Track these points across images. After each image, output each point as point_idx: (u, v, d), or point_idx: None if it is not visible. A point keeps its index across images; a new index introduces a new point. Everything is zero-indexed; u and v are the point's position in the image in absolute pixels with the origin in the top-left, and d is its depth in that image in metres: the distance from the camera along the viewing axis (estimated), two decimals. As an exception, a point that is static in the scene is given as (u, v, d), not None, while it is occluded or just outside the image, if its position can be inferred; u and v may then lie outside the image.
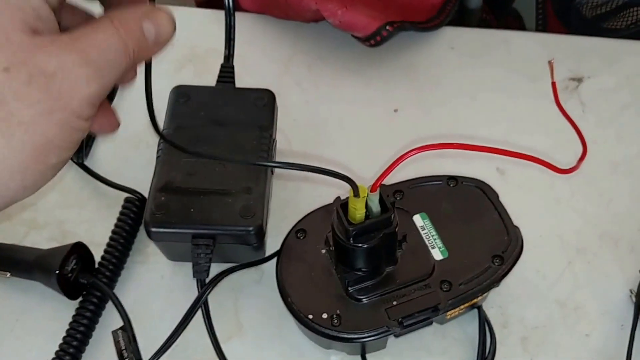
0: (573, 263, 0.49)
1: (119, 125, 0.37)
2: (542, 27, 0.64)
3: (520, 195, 0.52)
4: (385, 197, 0.38)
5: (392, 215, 0.38)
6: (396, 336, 0.42)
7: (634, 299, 0.47)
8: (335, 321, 0.41)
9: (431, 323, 0.43)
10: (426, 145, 0.34)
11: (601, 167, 0.54)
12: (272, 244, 0.46)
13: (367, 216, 0.38)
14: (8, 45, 0.28)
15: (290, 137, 0.55)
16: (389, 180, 0.45)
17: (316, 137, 0.56)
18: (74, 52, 0.29)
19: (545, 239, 0.50)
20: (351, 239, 0.38)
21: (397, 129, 0.56)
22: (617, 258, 0.50)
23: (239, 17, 0.61)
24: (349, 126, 0.56)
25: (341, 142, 0.55)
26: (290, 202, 0.52)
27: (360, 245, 0.39)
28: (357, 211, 0.37)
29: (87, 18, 0.35)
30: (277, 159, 0.52)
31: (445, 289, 0.41)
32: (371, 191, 0.37)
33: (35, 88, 0.28)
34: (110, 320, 0.46)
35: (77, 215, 0.51)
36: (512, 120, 0.57)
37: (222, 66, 0.50)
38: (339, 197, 0.39)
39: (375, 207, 0.38)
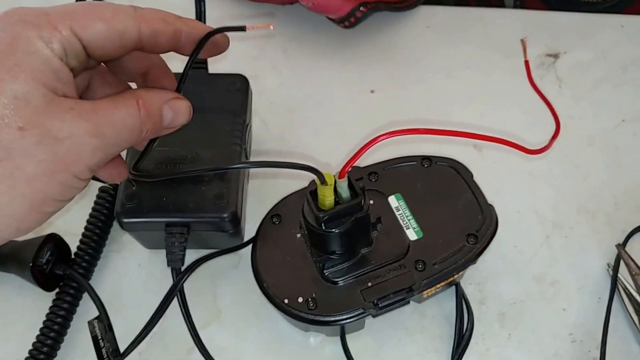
0: (550, 238, 0.50)
1: (127, 175, 0.39)
2: (520, 2, 0.63)
3: (498, 171, 0.52)
4: (355, 181, 0.38)
5: (362, 200, 0.38)
6: (374, 316, 0.42)
7: (610, 272, 0.47)
8: (311, 304, 0.41)
9: (408, 302, 0.43)
10: (394, 131, 0.34)
11: (577, 141, 0.54)
12: (252, 229, 0.46)
13: (337, 202, 0.38)
14: (27, 107, 0.29)
15: (267, 120, 0.55)
16: (364, 162, 0.46)
17: (293, 119, 0.55)
18: (88, 122, 0.31)
19: (522, 214, 0.51)
20: (322, 225, 0.38)
21: (375, 109, 0.56)
22: (594, 232, 0.50)
23: (214, 0, 0.61)
24: (326, 108, 0.56)
25: (318, 125, 0.55)
26: (269, 186, 0.51)
27: (332, 230, 0.39)
28: (326, 198, 0.37)
29: (114, 80, 0.38)
30: (254, 143, 0.53)
31: (419, 269, 0.42)
32: (339, 178, 0.36)
33: (43, 149, 0.30)
34: (88, 309, 0.46)
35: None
36: (489, 98, 0.56)
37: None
38: (313, 181, 0.39)
39: (345, 192, 0.38)
